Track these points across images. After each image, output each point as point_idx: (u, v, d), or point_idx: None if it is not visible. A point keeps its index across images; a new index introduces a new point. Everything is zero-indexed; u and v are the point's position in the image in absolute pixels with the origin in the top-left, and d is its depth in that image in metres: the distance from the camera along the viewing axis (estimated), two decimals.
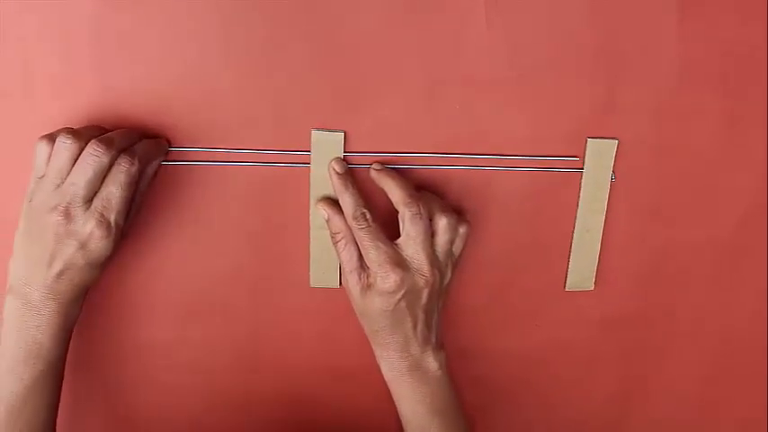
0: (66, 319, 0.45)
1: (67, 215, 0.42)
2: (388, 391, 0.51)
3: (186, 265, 0.52)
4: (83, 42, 0.46)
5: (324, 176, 0.49)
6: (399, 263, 0.46)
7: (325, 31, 0.46)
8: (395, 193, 0.48)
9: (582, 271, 0.54)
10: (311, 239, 0.51)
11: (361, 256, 0.48)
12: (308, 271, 0.52)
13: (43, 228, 0.43)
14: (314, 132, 0.48)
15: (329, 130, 0.48)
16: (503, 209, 0.52)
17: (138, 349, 0.53)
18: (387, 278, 0.46)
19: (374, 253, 0.47)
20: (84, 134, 0.43)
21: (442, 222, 0.47)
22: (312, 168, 0.49)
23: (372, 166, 0.49)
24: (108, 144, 0.42)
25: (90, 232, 0.43)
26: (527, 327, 0.56)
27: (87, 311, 0.52)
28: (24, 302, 0.44)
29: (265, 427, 0.57)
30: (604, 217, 0.52)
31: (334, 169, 0.48)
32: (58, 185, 0.43)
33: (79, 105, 0.47)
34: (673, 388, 0.60)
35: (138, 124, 0.47)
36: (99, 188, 0.43)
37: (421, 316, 0.48)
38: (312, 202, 0.50)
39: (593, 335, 0.57)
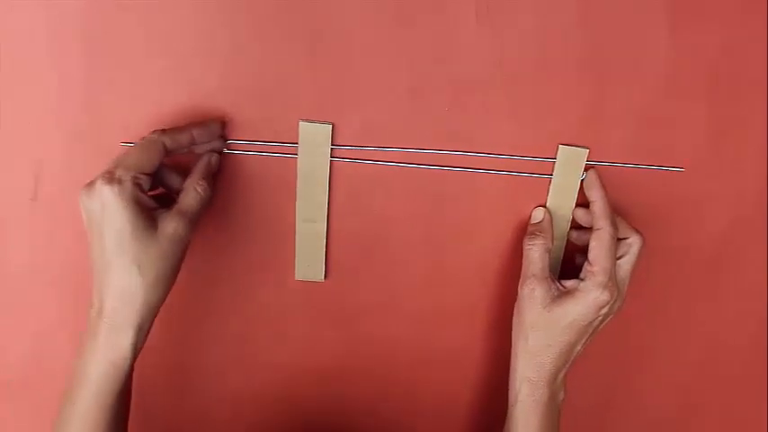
0: None
1: (88, 188, 0.41)
2: (376, 388, 0.50)
3: None
4: (72, 41, 0.45)
5: (311, 167, 0.49)
6: (617, 281, 0.48)
7: (314, 27, 0.46)
8: (623, 222, 0.49)
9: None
10: (297, 231, 0.51)
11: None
12: (294, 263, 0.52)
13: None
14: (301, 123, 0.48)
15: (317, 122, 0.48)
16: (483, 210, 0.52)
17: None
18: (608, 290, 0.47)
19: (609, 261, 0.47)
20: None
21: (638, 248, 0.49)
22: (299, 159, 0.49)
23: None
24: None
25: (99, 191, 0.40)
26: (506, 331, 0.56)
27: (71, 314, 0.52)
28: None
29: (253, 426, 0.57)
30: (569, 225, 0.52)
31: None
32: None
33: (70, 103, 0.47)
34: (656, 393, 0.60)
35: (125, 116, 0.47)
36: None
37: (588, 341, 0.49)
38: (299, 193, 0.50)
39: None
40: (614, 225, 0.48)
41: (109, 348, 0.42)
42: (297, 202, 0.50)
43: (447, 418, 0.59)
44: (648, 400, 0.61)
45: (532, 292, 0.49)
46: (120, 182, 0.40)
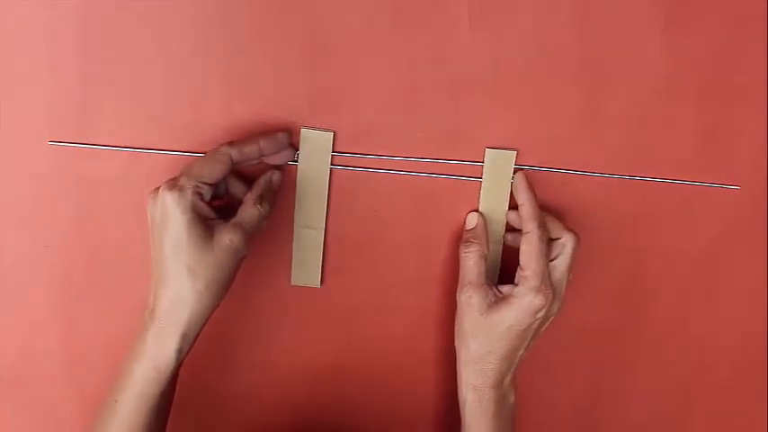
0: None
1: (154, 193, 0.43)
2: (370, 389, 0.50)
3: None
4: (70, 41, 0.45)
5: (311, 174, 0.48)
6: (551, 283, 0.47)
7: (309, 32, 0.46)
8: (555, 222, 0.49)
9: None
10: (295, 237, 0.50)
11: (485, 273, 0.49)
12: (290, 269, 0.52)
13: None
14: (303, 130, 0.48)
15: (319, 129, 0.48)
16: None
17: (113, 349, 0.52)
18: (542, 294, 0.46)
19: (540, 265, 0.46)
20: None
21: (572, 247, 0.48)
22: (299, 165, 0.48)
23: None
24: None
25: (161, 197, 0.42)
26: None
27: (63, 312, 0.51)
28: None
29: (247, 426, 0.57)
30: (504, 228, 0.52)
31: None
32: None
33: (68, 102, 0.47)
34: (643, 400, 0.61)
35: (124, 116, 0.47)
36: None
37: (531, 344, 0.49)
38: (298, 199, 0.49)
39: (563, 345, 0.57)
40: (543, 227, 0.47)
41: (155, 351, 0.43)
42: (295, 209, 0.49)
43: (440, 418, 0.60)
44: (640, 402, 0.61)
45: (469, 300, 0.48)
46: (181, 189, 0.42)
